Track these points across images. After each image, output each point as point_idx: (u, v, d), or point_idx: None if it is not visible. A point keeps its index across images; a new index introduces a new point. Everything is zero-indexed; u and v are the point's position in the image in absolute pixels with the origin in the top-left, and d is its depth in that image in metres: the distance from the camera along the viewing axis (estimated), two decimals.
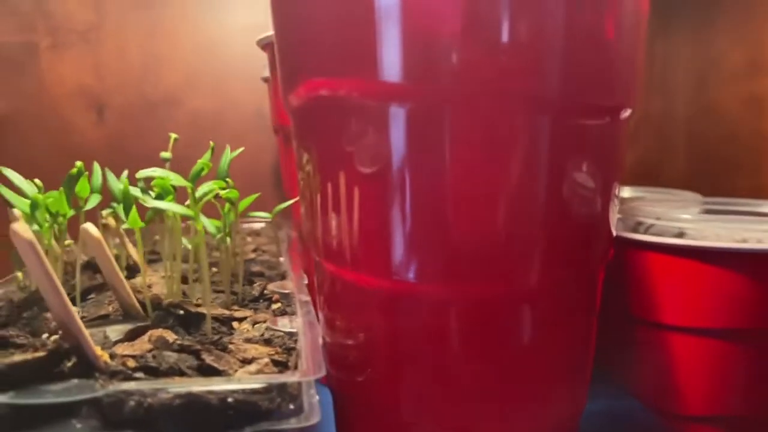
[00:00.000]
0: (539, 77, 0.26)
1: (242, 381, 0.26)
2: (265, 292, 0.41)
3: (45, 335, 0.33)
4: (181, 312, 0.34)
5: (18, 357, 0.28)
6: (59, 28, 0.78)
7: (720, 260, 0.42)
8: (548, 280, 0.27)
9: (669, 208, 0.49)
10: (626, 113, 0.28)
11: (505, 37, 0.25)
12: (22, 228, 0.26)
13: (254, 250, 0.58)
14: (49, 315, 0.35)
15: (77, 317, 0.28)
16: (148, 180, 0.37)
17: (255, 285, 0.43)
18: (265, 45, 0.48)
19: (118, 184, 0.41)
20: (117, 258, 0.44)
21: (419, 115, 0.26)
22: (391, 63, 0.26)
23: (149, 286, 0.40)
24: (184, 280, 0.41)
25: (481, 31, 0.25)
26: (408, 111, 0.26)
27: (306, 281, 0.42)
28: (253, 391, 0.26)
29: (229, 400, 0.26)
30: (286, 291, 0.42)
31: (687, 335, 0.44)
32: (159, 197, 0.35)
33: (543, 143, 0.26)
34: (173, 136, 0.48)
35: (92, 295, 0.40)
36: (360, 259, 0.28)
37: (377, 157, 0.27)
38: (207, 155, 0.36)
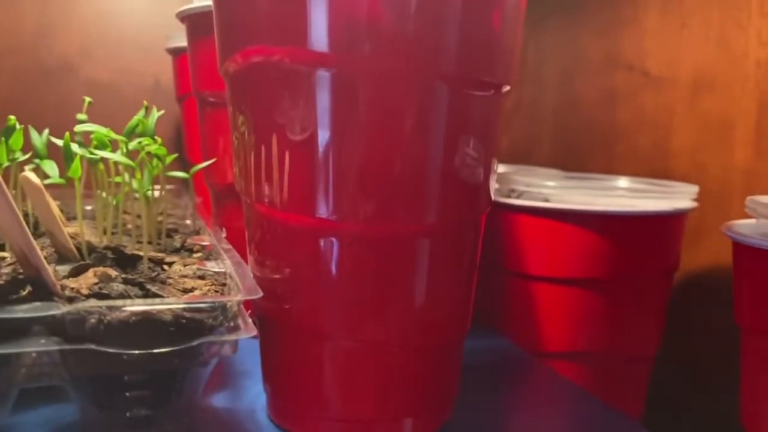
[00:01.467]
0: (439, 53, 0.32)
1: (193, 300, 0.31)
2: (186, 244, 0.45)
3: None
4: (116, 254, 0.38)
5: None
6: None
7: (576, 220, 0.51)
8: (443, 220, 0.34)
9: (537, 179, 0.57)
10: (506, 89, 0.35)
11: (412, 18, 0.31)
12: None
13: (159, 213, 0.61)
14: None
15: (39, 250, 0.31)
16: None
17: (176, 237, 0.47)
18: (183, 17, 0.51)
19: (41, 140, 0.44)
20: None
21: (341, 80, 0.32)
22: (318, 34, 0.31)
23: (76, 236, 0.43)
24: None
25: (392, 12, 0.31)
26: (332, 76, 0.32)
27: (224, 234, 0.46)
28: (200, 310, 0.31)
29: (179, 317, 0.30)
30: (204, 243, 0.46)
31: (549, 284, 0.53)
32: (97, 149, 0.38)
33: (441, 108, 0.33)
34: (87, 99, 0.51)
35: None
36: (289, 201, 0.33)
37: (305, 115, 0.32)
38: (141, 112, 0.40)
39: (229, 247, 0.42)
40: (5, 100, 0.81)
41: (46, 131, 0.45)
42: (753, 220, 0.43)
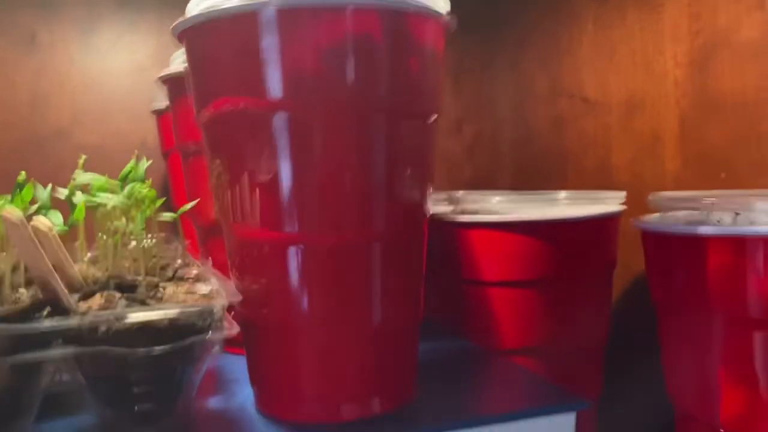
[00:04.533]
0: (374, 94, 0.39)
1: (185, 306, 0.37)
2: (177, 273, 0.52)
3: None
4: (118, 281, 0.45)
5: (7, 307, 0.37)
6: None
7: (519, 229, 0.58)
8: (390, 227, 0.41)
9: (484, 197, 0.65)
10: (433, 117, 0.43)
11: (349, 69, 0.39)
12: (11, 210, 0.36)
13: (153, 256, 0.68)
14: (6, 291, 0.44)
15: (56, 276, 0.38)
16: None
17: (168, 269, 0.53)
18: (165, 79, 0.59)
19: (46, 193, 0.51)
20: None
21: (294, 120, 0.39)
22: (274, 86, 0.39)
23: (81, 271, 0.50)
24: None
25: (331, 64, 0.38)
26: (287, 117, 0.39)
27: (210, 263, 0.53)
28: (191, 315, 0.37)
29: (174, 321, 0.37)
30: (194, 272, 0.53)
31: (500, 288, 0.60)
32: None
33: (380, 137, 0.40)
34: (83, 156, 0.58)
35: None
36: (261, 220, 0.40)
37: (268, 150, 0.40)
38: (132, 162, 0.47)
39: (215, 271, 0.49)
40: (4, 169, 0.88)
41: (50, 186, 0.52)
42: (658, 214, 0.50)
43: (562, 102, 0.91)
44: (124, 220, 0.51)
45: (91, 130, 0.92)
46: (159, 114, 0.76)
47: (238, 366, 0.52)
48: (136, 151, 0.48)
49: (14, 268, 0.48)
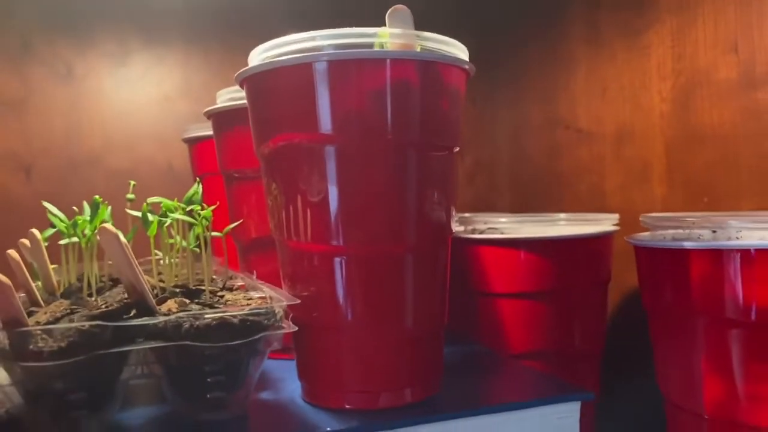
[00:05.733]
0: (409, 130, 0.47)
1: (253, 308, 0.44)
2: (226, 284, 0.59)
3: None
4: (184, 289, 0.52)
5: (102, 309, 0.44)
6: None
7: (525, 246, 0.66)
8: (420, 242, 0.48)
9: (492, 217, 0.72)
10: (456, 149, 0.50)
11: (387, 110, 0.46)
12: (109, 226, 0.43)
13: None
14: (89, 297, 0.50)
15: (144, 282, 0.45)
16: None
17: (218, 280, 0.60)
18: (210, 114, 0.66)
19: (107, 214, 0.57)
20: None
21: (342, 152, 0.46)
22: (325, 124, 0.46)
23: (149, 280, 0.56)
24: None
25: (374, 105, 0.46)
26: (335, 150, 0.46)
27: (255, 275, 0.60)
28: (258, 314, 0.44)
29: (245, 321, 0.44)
30: (241, 283, 0.60)
31: (508, 299, 0.67)
32: (164, 215, 0.53)
33: (412, 165, 0.47)
34: (132, 182, 0.65)
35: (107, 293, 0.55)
36: (312, 235, 0.47)
37: (318, 177, 0.47)
38: (195, 187, 0.54)
39: (262, 282, 0.56)
40: (42, 193, 0.94)
41: (110, 208, 0.59)
42: (649, 232, 0.58)
43: (558, 132, 0.99)
44: (179, 239, 0.58)
45: (121, 156, 0.99)
46: (192, 143, 0.83)
47: (281, 369, 0.59)
48: (197, 179, 0.55)
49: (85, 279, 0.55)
